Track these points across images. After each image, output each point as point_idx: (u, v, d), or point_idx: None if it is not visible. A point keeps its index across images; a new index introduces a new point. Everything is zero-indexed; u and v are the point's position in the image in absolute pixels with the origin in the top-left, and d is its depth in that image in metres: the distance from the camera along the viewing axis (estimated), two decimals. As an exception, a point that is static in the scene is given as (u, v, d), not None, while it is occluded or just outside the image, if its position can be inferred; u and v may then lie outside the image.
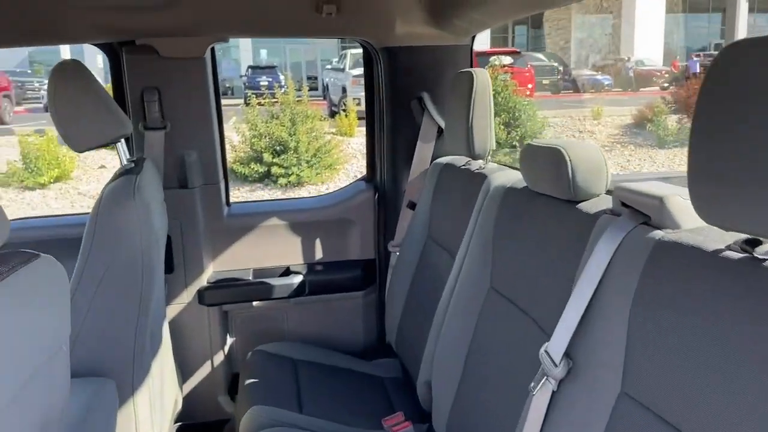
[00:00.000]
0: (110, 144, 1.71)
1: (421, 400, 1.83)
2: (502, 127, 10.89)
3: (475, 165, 1.86)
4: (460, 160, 1.98)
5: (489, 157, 1.84)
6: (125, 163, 1.82)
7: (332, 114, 13.92)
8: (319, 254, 2.44)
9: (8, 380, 0.81)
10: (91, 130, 1.61)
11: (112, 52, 2.13)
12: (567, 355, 1.13)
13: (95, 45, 2.11)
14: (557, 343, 1.14)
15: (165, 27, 1.98)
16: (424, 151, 2.26)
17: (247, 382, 2.00)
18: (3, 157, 10.35)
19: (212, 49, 2.21)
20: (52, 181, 9.73)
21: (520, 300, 1.38)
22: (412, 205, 2.26)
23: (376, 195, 2.45)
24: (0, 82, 14.90)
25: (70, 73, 1.60)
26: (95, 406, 1.38)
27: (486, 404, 1.43)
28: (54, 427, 0.98)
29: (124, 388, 1.58)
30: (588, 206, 1.25)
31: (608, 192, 1.27)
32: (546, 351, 1.16)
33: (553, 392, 1.15)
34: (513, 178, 1.61)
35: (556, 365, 1.13)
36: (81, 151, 1.64)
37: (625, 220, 1.10)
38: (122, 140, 1.80)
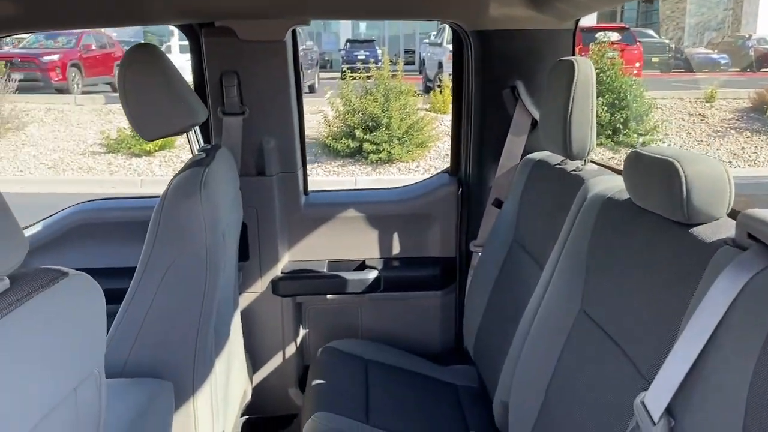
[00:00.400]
0: (181, 133, 1.65)
1: (496, 420, 1.69)
2: (606, 108, 10.32)
3: (572, 165, 1.67)
4: (554, 158, 1.80)
5: (588, 158, 1.65)
6: (196, 152, 1.76)
7: (427, 89, 13.69)
8: (396, 249, 2.33)
9: (21, 418, 0.74)
10: (160, 119, 1.54)
11: (192, 34, 2.07)
12: (668, 411, 0.95)
13: (176, 27, 2.06)
14: (657, 396, 0.97)
15: (244, 9, 1.89)
16: (514, 145, 2.08)
17: (315, 382, 1.92)
18: (114, 125, 10.89)
19: (293, 32, 2.11)
20: (156, 149, 10.12)
21: (614, 330, 1.20)
22: (498, 203, 2.09)
23: (460, 190, 2.29)
24: (115, 51, 15.64)
25: (143, 57, 1.54)
26: (149, 409, 1.33)
27: None
28: None
29: (183, 388, 1.53)
30: (705, 232, 1.05)
31: (731, 214, 1.07)
32: (642, 402, 0.99)
33: None
34: (614, 185, 1.42)
35: (653, 422, 0.96)
36: (150, 140, 1.59)
37: (753, 258, 0.90)
38: (196, 127, 1.74)
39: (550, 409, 1.36)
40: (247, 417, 2.18)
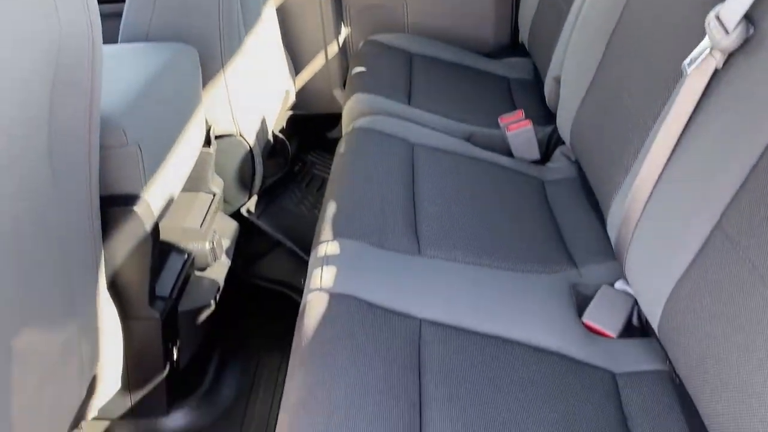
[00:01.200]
0: None
1: (547, 99, 1.57)
2: None
3: None
4: None
5: None
6: None
7: None
8: None
9: None
10: None
11: None
12: (747, 18, 0.79)
13: None
14: (736, 3, 0.80)
15: None
16: None
17: (356, 70, 1.82)
18: None
19: None
20: None
21: None
22: None
23: None
24: None
25: None
26: (171, 66, 1.26)
27: (624, 99, 1.14)
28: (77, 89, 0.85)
29: (211, 57, 1.45)
30: None
31: None
32: (717, 16, 0.82)
33: (717, 71, 0.84)
34: None
35: (727, 32, 0.80)
36: None
37: None
38: None
39: (606, 68, 1.22)
40: (292, 113, 2.13)
